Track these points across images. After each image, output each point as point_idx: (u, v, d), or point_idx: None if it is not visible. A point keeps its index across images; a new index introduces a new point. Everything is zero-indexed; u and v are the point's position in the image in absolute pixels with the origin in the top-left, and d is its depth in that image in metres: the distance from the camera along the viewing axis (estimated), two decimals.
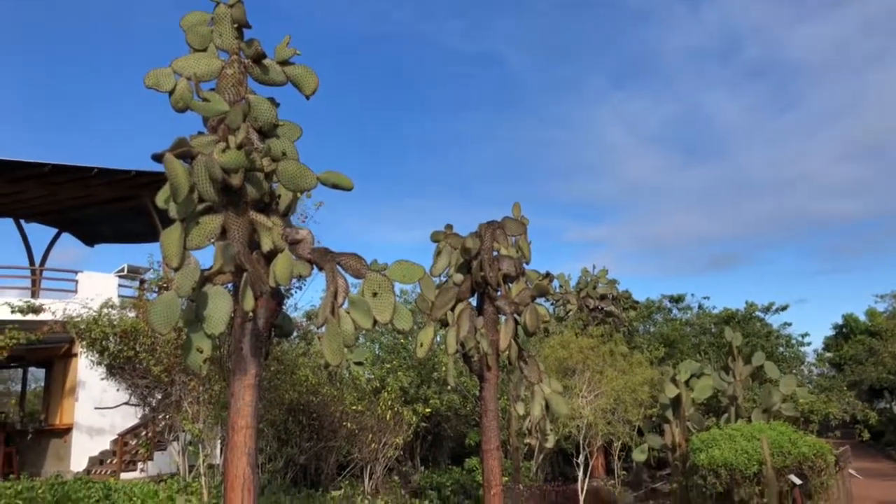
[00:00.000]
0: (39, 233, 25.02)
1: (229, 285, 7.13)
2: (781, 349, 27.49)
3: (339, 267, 6.88)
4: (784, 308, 28.74)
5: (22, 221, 23.97)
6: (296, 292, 13.74)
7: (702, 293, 61.12)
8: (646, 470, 19.21)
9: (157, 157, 6.37)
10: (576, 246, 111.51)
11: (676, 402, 14.28)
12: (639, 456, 14.59)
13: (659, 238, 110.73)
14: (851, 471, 13.31)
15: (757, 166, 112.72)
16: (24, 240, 24.27)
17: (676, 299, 29.76)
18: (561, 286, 23.58)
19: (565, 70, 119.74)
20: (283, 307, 7.55)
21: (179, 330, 8.87)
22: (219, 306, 6.61)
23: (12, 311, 15.89)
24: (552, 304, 23.49)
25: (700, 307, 29.33)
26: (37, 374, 27.16)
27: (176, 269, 6.48)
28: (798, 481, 10.44)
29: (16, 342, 13.74)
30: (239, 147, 6.74)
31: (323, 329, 6.71)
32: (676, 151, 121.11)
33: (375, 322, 6.71)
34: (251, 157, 6.76)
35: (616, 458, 18.24)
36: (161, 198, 6.88)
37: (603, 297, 22.82)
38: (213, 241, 6.72)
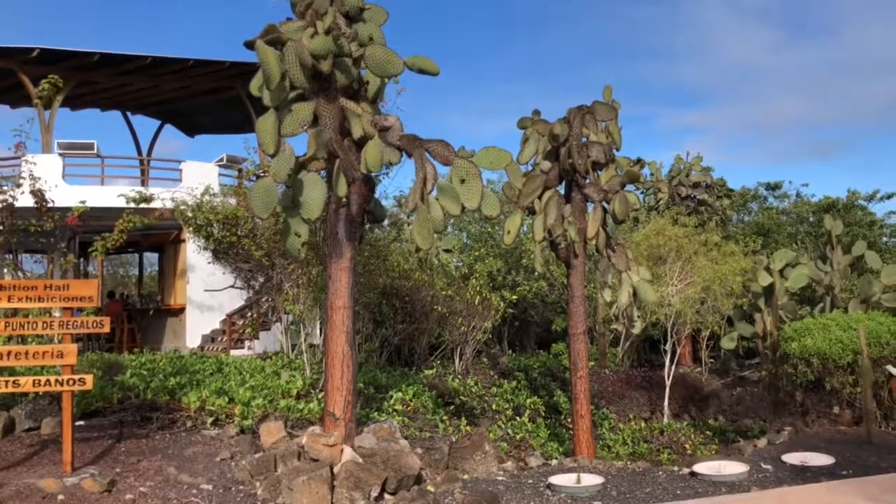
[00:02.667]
0: (145, 125, 26.16)
1: (323, 172, 7.38)
2: (886, 239, 26.12)
3: (427, 154, 6.97)
4: (890, 196, 27.00)
5: (128, 114, 25.14)
6: (384, 179, 14.01)
7: (803, 181, 57.98)
8: (734, 358, 19.12)
9: (249, 45, 6.51)
10: (669, 133, 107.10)
11: (769, 291, 13.99)
12: (728, 344, 14.56)
13: (758, 124, 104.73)
14: None
15: (872, 45, 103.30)
16: (131, 131, 25.53)
17: (773, 187, 28.44)
18: (652, 174, 22.93)
19: None
20: (375, 193, 7.77)
21: (277, 215, 9.27)
22: (314, 192, 6.87)
23: (127, 202, 16.94)
24: (643, 192, 22.93)
25: (798, 195, 27.99)
26: (151, 259, 29.10)
27: (272, 156, 6.74)
28: (895, 372, 10.21)
29: (132, 225, 14.69)
30: (327, 32, 6.79)
31: (413, 215, 6.91)
32: (782, 29, 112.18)
33: (464, 208, 6.84)
34: (339, 42, 6.80)
35: (704, 346, 18.22)
36: (255, 85, 7.09)
37: (696, 186, 22.09)
38: (305, 128, 6.91)
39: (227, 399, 8.88)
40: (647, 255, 15.69)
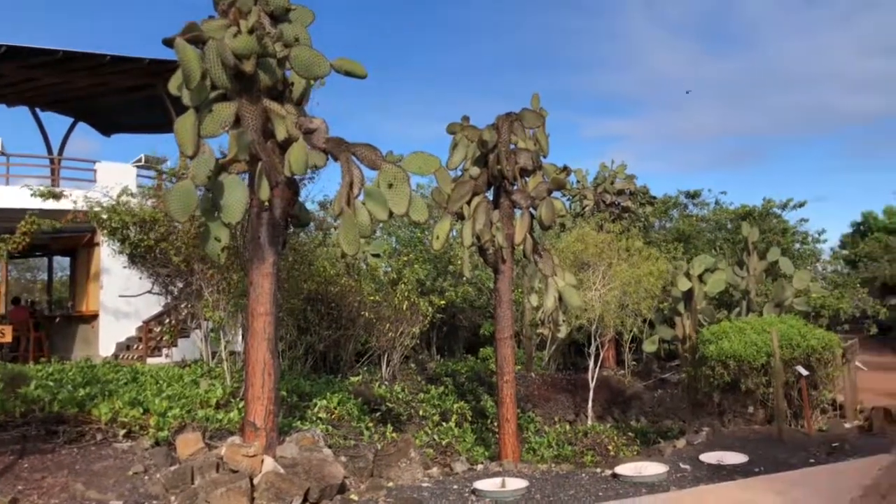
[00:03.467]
0: (55, 122, 24.94)
1: (245, 175, 7.15)
2: (797, 246, 27.41)
3: (354, 157, 6.83)
4: (802, 205, 28.45)
5: (38, 110, 23.86)
6: (307, 183, 13.75)
7: (721, 189, 60.33)
8: (656, 361, 19.67)
9: (168, 42, 6.25)
10: (595, 141, 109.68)
11: (689, 296, 14.44)
12: (649, 347, 14.93)
13: (680, 133, 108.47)
14: (858, 363, 13.55)
15: (784, 60, 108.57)
16: (40, 129, 24.21)
17: (693, 195, 29.48)
18: (578, 181, 23.38)
19: None
20: (299, 197, 7.58)
21: (197, 219, 8.95)
22: (235, 195, 6.65)
23: (32, 195, 16.02)
24: (569, 199, 23.40)
25: (717, 203, 29.13)
26: (62, 263, 27.79)
27: (191, 158, 6.49)
28: (805, 372, 10.66)
29: (37, 227, 13.92)
30: (251, 32, 6.59)
31: (339, 220, 6.76)
32: (702, 42, 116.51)
33: (391, 213, 6.73)
34: (263, 42, 6.60)
35: (627, 349, 18.66)
36: (174, 84, 6.81)
37: (620, 193, 22.64)
38: (227, 129, 6.68)
39: (141, 410, 8.49)
40: (572, 260, 15.95)
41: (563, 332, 15.70)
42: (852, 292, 22.20)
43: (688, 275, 14.31)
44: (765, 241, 22.35)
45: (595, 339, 14.91)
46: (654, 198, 25.29)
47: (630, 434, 13.27)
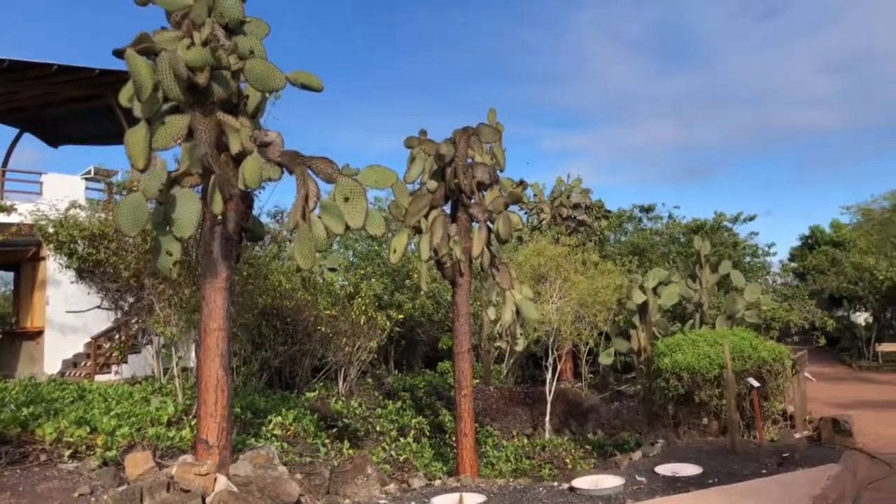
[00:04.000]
0: (1, 133, 24.24)
1: (198, 188, 7.01)
2: (748, 259, 28.10)
3: (309, 171, 6.76)
4: (752, 218, 29.22)
5: None
6: (260, 193, 13.58)
7: (675, 203, 61.66)
8: (612, 374, 19.86)
9: (119, 53, 6.11)
10: (552, 155, 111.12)
11: (643, 309, 14.64)
12: (605, 359, 15.08)
13: (635, 147, 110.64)
14: (807, 374, 13.89)
15: (736, 75, 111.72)
16: None
17: (647, 209, 30.03)
18: (535, 195, 23.60)
19: None
20: (253, 210, 7.47)
21: (148, 233, 8.74)
22: (187, 209, 6.51)
23: None
24: (526, 212, 23.59)
25: (670, 216, 29.72)
26: (5, 277, 26.91)
27: (142, 171, 6.34)
28: (756, 384, 10.87)
29: None
30: (204, 44, 6.49)
31: (294, 234, 6.67)
32: (656, 58, 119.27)
33: (347, 227, 6.67)
34: (217, 54, 6.51)
35: (584, 362, 18.81)
36: (124, 96, 6.65)
37: (576, 207, 22.92)
38: (179, 141, 6.55)
39: (88, 429, 8.22)
40: (529, 274, 16.05)
41: (520, 346, 15.75)
42: (801, 304, 22.81)
43: (642, 288, 14.52)
44: (717, 254, 22.85)
45: (552, 352, 15.00)
46: (610, 212, 25.68)
47: (587, 447, 13.34)
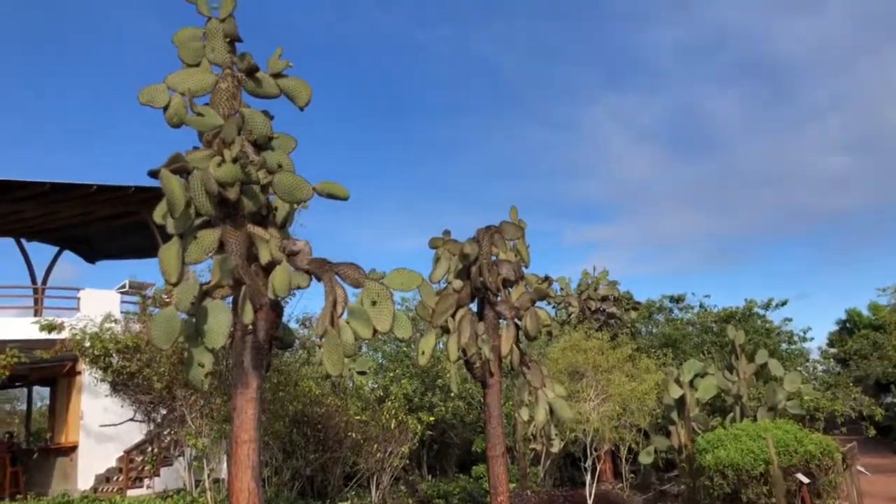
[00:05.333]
0: (41, 251, 25.08)
1: (229, 299, 7.15)
2: (784, 346, 27.40)
3: (337, 277, 6.88)
4: (783, 304, 28.67)
5: (23, 241, 24.03)
6: (288, 300, 13.75)
7: (703, 290, 60.88)
8: (654, 472, 19.12)
9: (154, 174, 6.39)
10: (575, 248, 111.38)
11: (681, 403, 14.23)
12: (645, 459, 14.54)
13: (657, 237, 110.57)
14: (860, 468, 13.26)
15: (752, 160, 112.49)
16: (25, 259, 24.31)
17: (677, 299, 29.70)
18: (562, 289, 23.54)
19: (557, 72, 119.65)
20: (283, 318, 7.56)
21: (179, 345, 8.85)
22: (219, 320, 6.62)
23: (40, 330, 15.83)
24: (553, 307, 23.46)
25: (701, 306, 29.30)
26: (42, 393, 27.11)
27: (174, 285, 6.49)
28: (806, 480, 10.40)
29: (15, 361, 13.68)
30: (234, 161, 6.76)
31: (323, 340, 6.72)
32: (672, 148, 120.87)
33: (375, 331, 6.71)
34: (247, 170, 6.78)
35: (624, 461, 18.19)
36: (158, 213, 6.91)
37: (604, 299, 22.77)
38: (211, 254, 6.73)
39: None
40: (564, 370, 15.83)
41: (556, 447, 15.27)
42: (846, 392, 22.02)
43: (678, 381, 14.17)
44: (751, 342, 22.34)
45: (591, 453, 14.56)
46: (639, 303, 25.44)
47: None
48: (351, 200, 7.65)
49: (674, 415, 14.27)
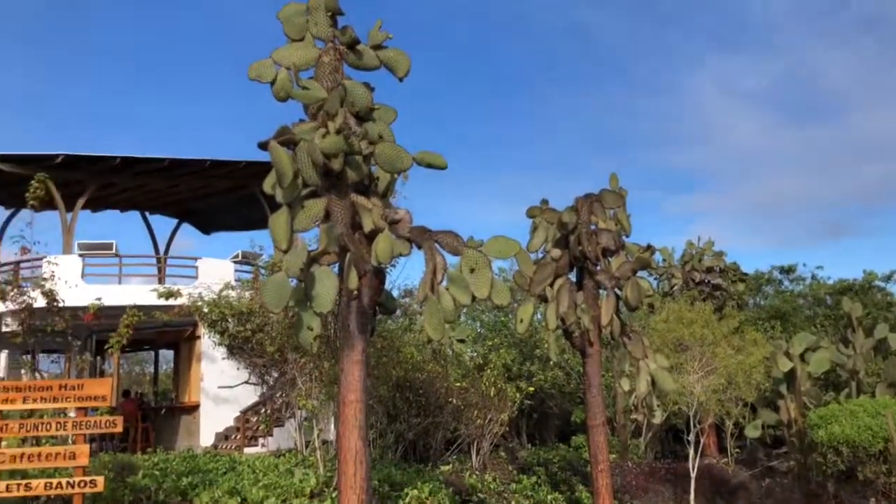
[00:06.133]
0: (162, 224, 26.82)
1: (335, 266, 7.46)
2: None
3: (436, 245, 7.05)
4: None
5: (147, 213, 25.77)
6: (392, 270, 14.17)
7: (814, 263, 57.51)
8: (761, 448, 18.53)
9: (263, 146, 6.73)
10: (677, 218, 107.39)
11: (791, 377, 13.71)
12: (752, 433, 14.16)
13: (765, 206, 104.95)
14: None
15: (872, 126, 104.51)
16: (149, 230, 26.10)
17: (787, 270, 28.28)
18: (664, 260, 22.92)
19: (658, 36, 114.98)
20: (385, 285, 7.82)
21: (290, 309, 9.32)
22: (325, 285, 6.93)
23: (158, 297, 17.16)
24: (656, 278, 22.90)
25: (814, 277, 27.77)
26: (167, 356, 29.10)
27: (285, 251, 6.84)
28: None
29: (136, 319, 14.73)
30: (338, 132, 7.01)
31: (424, 306, 6.92)
32: (782, 113, 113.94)
33: (474, 298, 6.85)
34: (349, 141, 7.01)
35: (729, 435, 17.72)
36: (268, 184, 7.28)
37: (709, 270, 22.01)
38: (317, 223, 7.04)
39: (239, 499, 8.69)
40: (668, 342, 15.52)
41: (657, 418, 15.08)
42: None
43: (788, 354, 13.63)
44: (869, 316, 21.09)
45: (694, 426, 14.27)
46: (746, 274, 24.42)
47: None
48: (446, 173, 7.78)
49: (783, 388, 13.77)
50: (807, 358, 13.75)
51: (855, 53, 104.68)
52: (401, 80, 7.96)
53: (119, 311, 16.01)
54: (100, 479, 6.68)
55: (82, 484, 6.56)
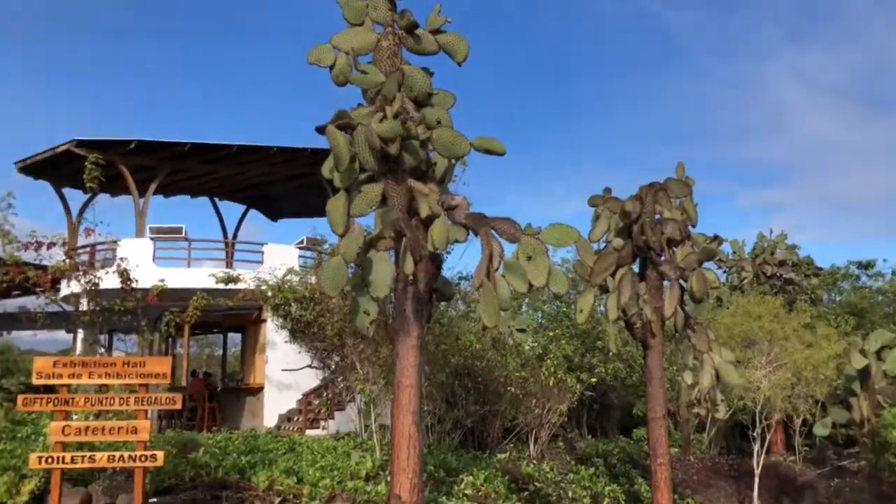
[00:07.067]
0: (231, 210, 27.51)
1: (391, 252, 7.49)
2: None
3: (493, 231, 6.97)
4: None
5: (216, 200, 26.47)
6: (447, 257, 14.18)
7: (894, 259, 54.68)
8: (831, 447, 17.85)
9: (321, 130, 6.78)
10: (749, 211, 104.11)
11: (865, 374, 13.09)
12: (821, 430, 13.59)
13: (841, 200, 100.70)
14: None
15: None
16: (218, 216, 26.79)
17: (866, 265, 27.00)
18: (734, 252, 22.22)
19: (731, 24, 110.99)
20: (442, 271, 7.80)
21: (349, 294, 9.42)
22: (382, 270, 6.97)
23: (217, 282, 17.68)
24: (725, 271, 22.23)
25: (894, 273, 26.47)
26: (234, 339, 29.89)
27: (341, 236, 6.89)
28: None
29: (205, 302, 15.15)
30: (395, 116, 7.00)
31: (480, 292, 6.87)
32: (860, 105, 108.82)
33: (531, 286, 6.75)
34: (407, 125, 6.99)
35: (797, 433, 17.12)
36: (326, 168, 7.34)
37: (782, 264, 21.22)
38: (374, 208, 7.06)
39: (295, 479, 8.84)
40: (735, 336, 15.08)
41: (721, 413, 14.65)
42: None
43: (863, 351, 13.03)
44: None
45: (760, 422, 13.83)
46: (821, 269, 23.46)
47: None
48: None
49: (856, 386, 13.17)
50: (883, 356, 13.10)
51: None
52: (459, 64, 7.89)
53: (187, 293, 16.51)
54: (160, 454, 6.90)
55: (143, 458, 6.79)
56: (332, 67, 7.47)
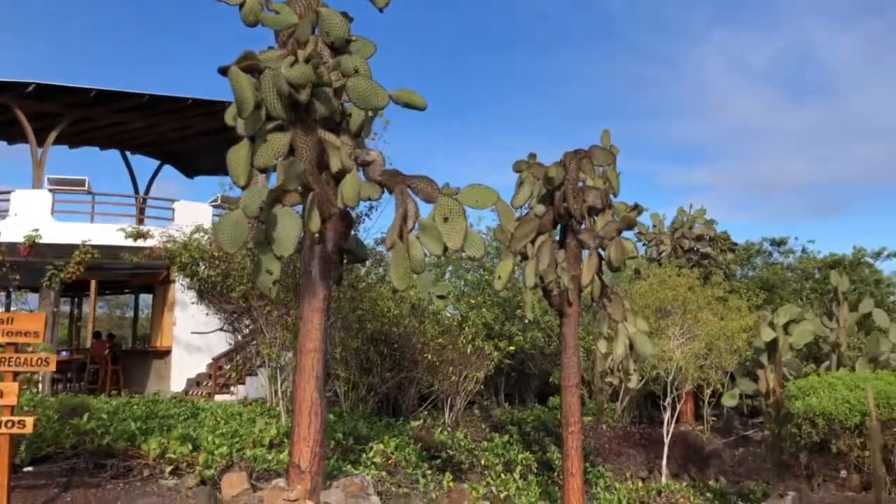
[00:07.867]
0: (145, 165, 26.13)
1: (299, 207, 7.00)
2: (893, 298, 25.57)
3: (409, 190, 6.59)
4: None
5: (127, 153, 25.03)
6: (364, 216, 13.78)
7: (805, 238, 57.44)
8: (737, 417, 18.47)
9: (223, 71, 6.21)
10: (672, 190, 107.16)
11: (772, 347, 13.43)
12: (729, 401, 13.95)
13: (761, 182, 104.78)
14: None
15: (870, 108, 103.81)
16: (129, 171, 25.40)
17: (778, 242, 28.01)
18: (654, 226, 22.56)
19: (665, 6, 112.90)
20: (353, 231, 7.38)
21: (253, 252, 8.88)
22: (287, 227, 6.47)
23: (126, 237, 16.70)
24: (644, 244, 22.58)
25: (804, 251, 27.57)
26: (147, 300, 28.67)
27: (243, 188, 6.38)
28: None
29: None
30: (307, 61, 6.48)
31: (391, 254, 6.50)
32: (783, 91, 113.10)
33: (446, 248, 6.42)
34: (319, 71, 6.48)
35: (706, 403, 17.61)
36: (229, 114, 6.78)
37: (699, 238, 21.68)
38: (280, 159, 6.55)
39: (191, 446, 8.32)
40: (651, 307, 15.24)
41: (633, 383, 14.89)
42: None
43: (771, 324, 13.35)
44: (856, 291, 20.90)
45: (671, 392, 14.06)
46: (736, 244, 24.12)
47: (708, 495, 12.34)
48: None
49: (763, 358, 13.51)
50: (790, 329, 13.46)
51: (858, 33, 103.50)
52: (381, 10, 7.40)
53: (93, 249, 15.48)
54: (29, 420, 6.25)
55: (10, 424, 6.14)
56: (241, 6, 6.83)
